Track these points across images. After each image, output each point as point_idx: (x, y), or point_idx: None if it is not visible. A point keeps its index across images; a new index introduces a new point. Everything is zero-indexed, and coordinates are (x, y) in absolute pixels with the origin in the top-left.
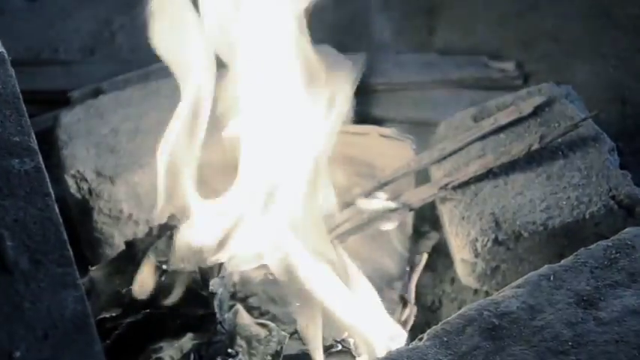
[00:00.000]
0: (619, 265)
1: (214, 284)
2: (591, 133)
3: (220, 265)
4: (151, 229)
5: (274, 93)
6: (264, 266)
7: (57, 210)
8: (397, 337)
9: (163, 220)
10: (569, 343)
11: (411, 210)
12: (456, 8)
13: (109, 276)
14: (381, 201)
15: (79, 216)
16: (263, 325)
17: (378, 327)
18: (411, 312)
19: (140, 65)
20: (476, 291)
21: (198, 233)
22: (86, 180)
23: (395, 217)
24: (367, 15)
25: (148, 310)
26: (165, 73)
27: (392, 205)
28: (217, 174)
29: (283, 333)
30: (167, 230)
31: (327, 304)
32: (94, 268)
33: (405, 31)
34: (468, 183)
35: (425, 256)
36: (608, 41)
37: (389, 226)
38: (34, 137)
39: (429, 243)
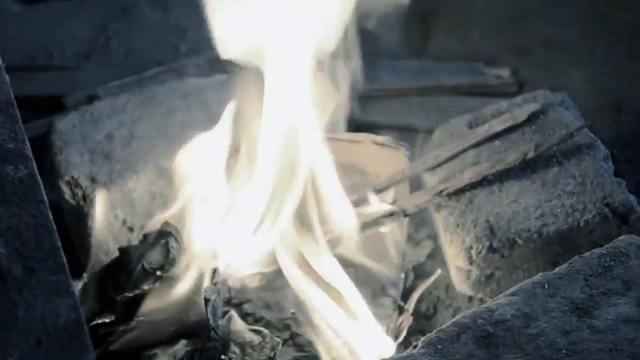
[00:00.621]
0: (613, 273)
1: (208, 291)
2: (586, 141)
3: (214, 272)
4: (145, 236)
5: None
6: (259, 273)
7: (51, 217)
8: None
9: (157, 227)
10: (564, 352)
11: (405, 216)
12: (451, 14)
13: (103, 282)
14: (375, 206)
15: (73, 222)
16: (257, 332)
17: (367, 337)
18: (406, 320)
19: (135, 71)
20: (470, 298)
21: (194, 239)
22: (80, 186)
23: (390, 222)
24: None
25: (141, 318)
26: (160, 78)
27: (387, 210)
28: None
29: (277, 339)
30: (161, 237)
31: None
32: (87, 274)
33: (399, 37)
34: (462, 190)
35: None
36: (603, 48)
37: (384, 230)
38: (28, 144)
39: (423, 251)
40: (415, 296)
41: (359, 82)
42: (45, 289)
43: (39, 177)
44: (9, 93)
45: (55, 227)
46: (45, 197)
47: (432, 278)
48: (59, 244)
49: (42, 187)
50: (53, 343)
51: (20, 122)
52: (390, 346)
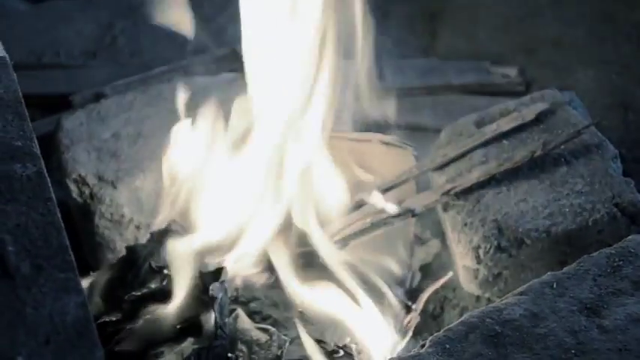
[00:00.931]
0: (622, 273)
1: (214, 289)
2: (594, 140)
3: (221, 270)
4: (152, 234)
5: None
6: (266, 270)
7: (59, 215)
8: (395, 344)
9: (164, 226)
10: (572, 351)
11: (413, 215)
12: (458, 14)
13: (110, 281)
14: (383, 206)
15: (80, 220)
16: (264, 330)
17: (378, 333)
18: (413, 320)
19: (142, 69)
20: (478, 298)
21: (200, 237)
22: (88, 184)
23: (397, 222)
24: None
25: (148, 316)
26: (166, 77)
27: (394, 209)
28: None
29: (284, 337)
30: (169, 236)
31: (331, 307)
32: (95, 272)
33: (407, 36)
34: (470, 189)
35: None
36: (611, 47)
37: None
38: (36, 142)
39: (430, 251)
40: (424, 296)
41: (374, 80)
42: (53, 286)
43: (47, 175)
44: (17, 91)
45: (62, 225)
46: (53, 195)
47: (443, 279)
48: (67, 241)
49: (50, 185)
50: (62, 341)
51: (28, 120)
52: (397, 345)
